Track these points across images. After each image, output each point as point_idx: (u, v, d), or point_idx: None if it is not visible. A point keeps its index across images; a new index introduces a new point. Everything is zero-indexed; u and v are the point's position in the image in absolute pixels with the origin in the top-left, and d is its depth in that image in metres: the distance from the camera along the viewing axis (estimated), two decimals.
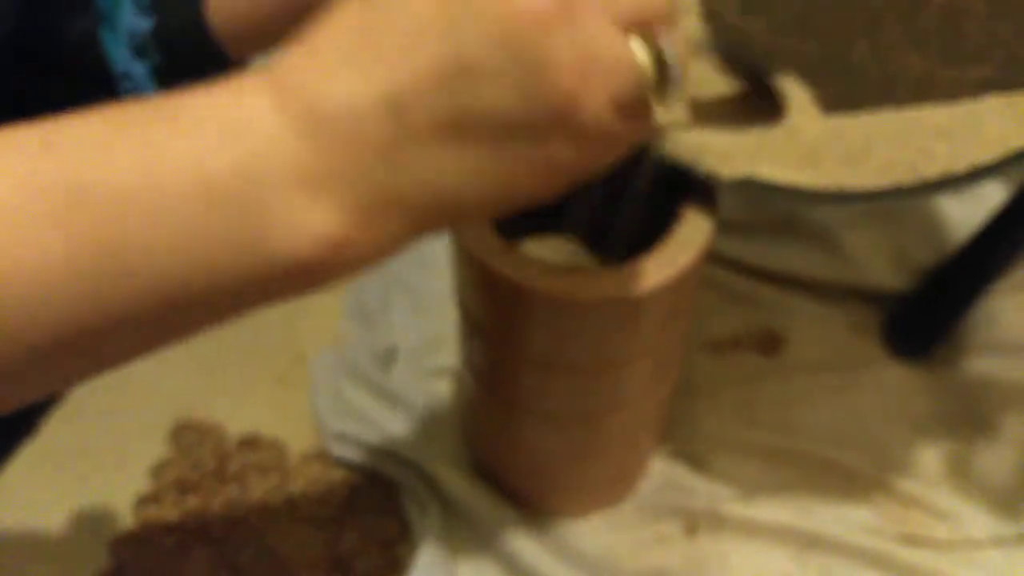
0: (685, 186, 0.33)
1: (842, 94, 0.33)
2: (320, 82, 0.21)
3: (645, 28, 0.22)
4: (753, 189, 0.31)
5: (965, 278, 0.47)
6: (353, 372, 0.48)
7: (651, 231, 0.33)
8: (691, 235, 0.31)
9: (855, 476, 0.45)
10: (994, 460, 0.45)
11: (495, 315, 0.33)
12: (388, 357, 0.49)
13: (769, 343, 0.50)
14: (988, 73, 0.32)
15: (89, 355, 0.22)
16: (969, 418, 0.47)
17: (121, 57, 0.42)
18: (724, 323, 0.51)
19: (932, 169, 0.31)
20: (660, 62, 0.22)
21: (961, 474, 0.45)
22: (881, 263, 0.52)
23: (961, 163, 0.31)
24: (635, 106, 0.22)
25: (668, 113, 0.23)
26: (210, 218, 0.20)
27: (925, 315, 0.49)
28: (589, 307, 0.30)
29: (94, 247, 0.20)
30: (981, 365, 0.48)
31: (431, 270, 0.52)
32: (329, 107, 0.20)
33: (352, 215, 0.21)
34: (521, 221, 0.38)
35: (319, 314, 0.52)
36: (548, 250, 0.40)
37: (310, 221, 0.20)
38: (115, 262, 0.20)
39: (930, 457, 0.46)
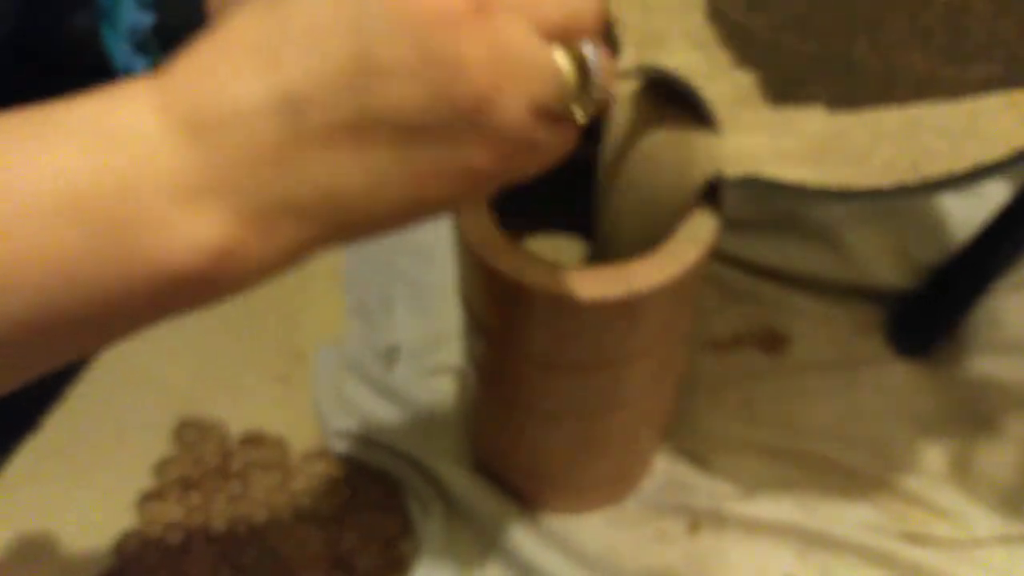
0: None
1: (843, 92, 0.33)
2: (208, 83, 0.19)
3: (569, 37, 0.21)
4: (757, 187, 0.31)
5: (967, 277, 0.47)
6: (355, 369, 0.48)
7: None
8: (696, 233, 0.31)
9: (857, 474, 0.45)
10: (997, 458, 0.45)
11: (498, 313, 0.33)
12: (390, 355, 0.49)
13: (771, 341, 0.50)
14: (990, 72, 0.32)
15: None
16: (972, 416, 0.47)
17: (122, 53, 0.42)
18: (726, 321, 0.51)
19: (934, 168, 0.31)
20: (582, 69, 0.21)
21: (964, 472, 0.45)
22: (884, 261, 0.51)
23: (963, 162, 0.31)
24: (555, 112, 0.21)
25: (586, 119, 0.22)
26: (75, 234, 0.19)
27: (927, 314, 0.49)
28: (592, 306, 0.30)
29: None
30: (984, 364, 0.48)
31: (433, 267, 0.52)
32: (216, 109, 0.19)
33: (240, 223, 0.20)
34: (526, 218, 0.38)
35: (321, 312, 0.52)
36: (553, 247, 0.40)
37: (190, 231, 0.19)
38: None
39: (933, 455, 0.45)
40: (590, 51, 0.21)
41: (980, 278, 0.46)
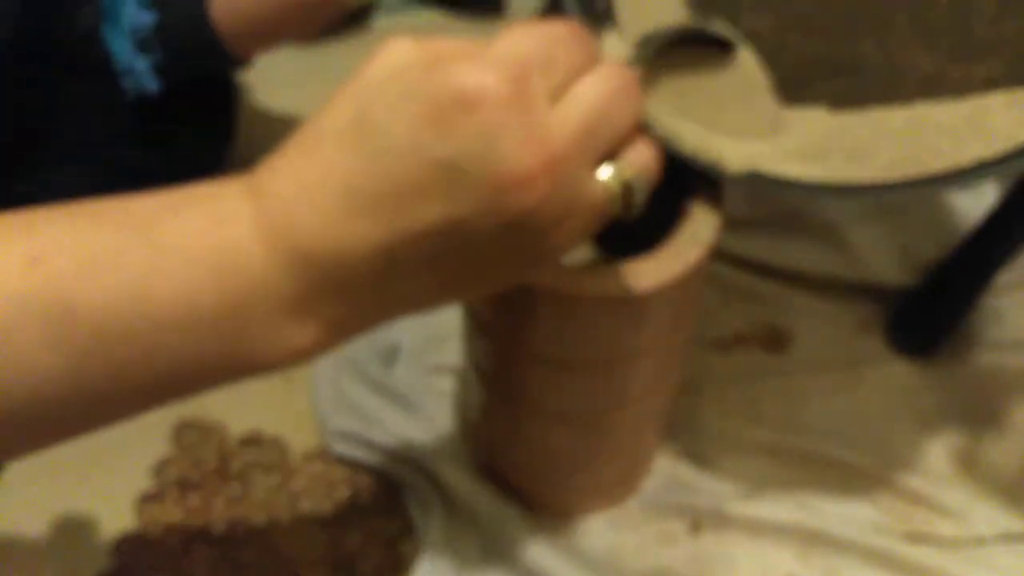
0: (690, 181, 0.33)
1: (849, 91, 0.33)
2: (311, 223, 0.21)
3: (616, 154, 0.23)
4: (760, 184, 0.31)
5: (964, 275, 0.47)
6: (355, 370, 0.48)
7: (657, 227, 0.33)
8: (698, 231, 0.31)
9: (860, 474, 0.45)
10: (1000, 457, 0.45)
11: (499, 312, 0.33)
12: (390, 354, 0.48)
13: (774, 340, 0.50)
14: (996, 71, 0.32)
15: (68, 434, 0.24)
16: (975, 415, 0.47)
17: (124, 53, 0.42)
18: (728, 320, 0.50)
19: (938, 164, 0.31)
20: (627, 188, 0.24)
21: (967, 471, 0.45)
22: (887, 259, 0.51)
23: (966, 158, 0.31)
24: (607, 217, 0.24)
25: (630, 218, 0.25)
26: (195, 344, 0.21)
27: (926, 313, 0.49)
28: (594, 305, 0.30)
29: (83, 363, 0.21)
30: (988, 362, 0.48)
31: None
32: (322, 251, 0.21)
33: (330, 331, 0.23)
34: None
35: None
36: None
37: (290, 340, 0.22)
38: (104, 375, 0.21)
39: (936, 454, 0.45)
40: (633, 172, 0.23)
41: (976, 276, 0.46)
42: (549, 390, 0.35)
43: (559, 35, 0.23)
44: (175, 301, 0.21)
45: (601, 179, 0.23)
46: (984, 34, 0.33)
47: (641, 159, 0.24)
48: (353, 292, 0.22)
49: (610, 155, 0.24)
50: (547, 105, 0.22)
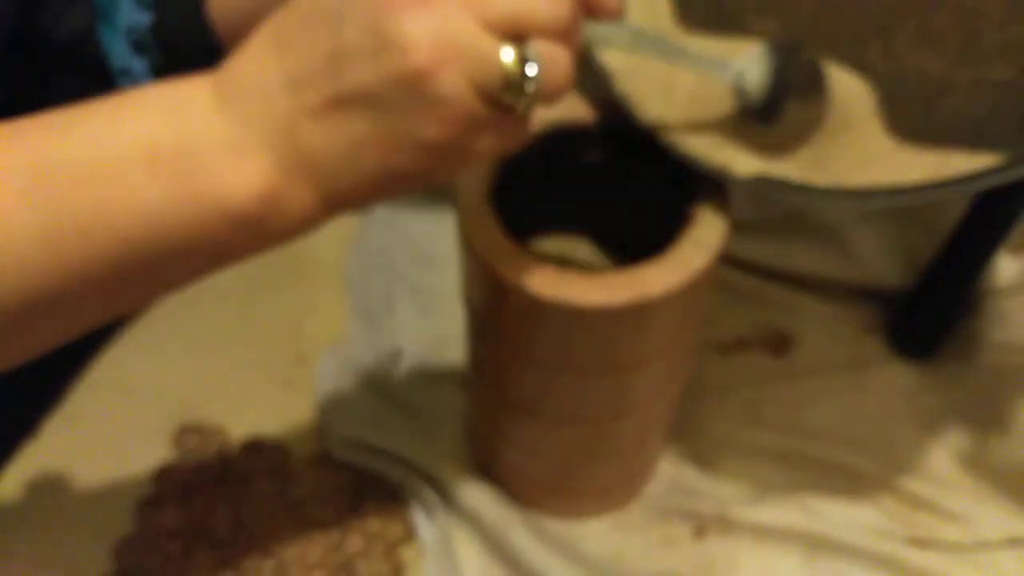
0: (696, 186, 0.32)
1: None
2: (244, 67, 0.25)
3: (519, 33, 0.24)
4: (767, 187, 0.31)
5: (951, 276, 0.46)
6: (357, 374, 0.47)
7: (663, 232, 0.32)
8: (704, 237, 0.31)
9: (864, 477, 0.44)
10: (1005, 461, 0.45)
11: (504, 319, 0.33)
12: (393, 359, 0.48)
13: (778, 343, 0.49)
14: (1006, 75, 0.32)
15: (56, 318, 0.25)
16: (980, 418, 0.46)
17: (120, 53, 0.41)
18: (732, 323, 0.50)
19: (948, 170, 0.31)
20: (524, 64, 0.24)
21: (971, 475, 0.44)
22: (890, 261, 0.51)
23: (977, 163, 0.30)
24: (499, 99, 0.24)
25: (529, 110, 0.25)
26: (155, 180, 0.24)
27: (922, 314, 0.49)
28: (600, 313, 0.30)
29: (56, 215, 0.23)
30: (992, 363, 0.48)
31: (435, 269, 0.52)
32: (248, 87, 0.25)
33: (276, 172, 0.25)
34: (535, 220, 0.37)
35: (323, 315, 0.51)
36: (561, 249, 0.40)
37: (243, 175, 0.24)
38: (75, 226, 0.24)
39: (940, 458, 0.45)
40: (534, 48, 0.24)
41: (962, 277, 0.46)
42: (553, 396, 0.35)
43: None
44: (135, 143, 0.24)
45: (502, 52, 0.24)
46: (993, 38, 0.32)
47: (553, 56, 0.24)
48: (276, 132, 0.24)
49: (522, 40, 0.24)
50: None
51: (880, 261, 0.51)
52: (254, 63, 0.25)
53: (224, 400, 0.47)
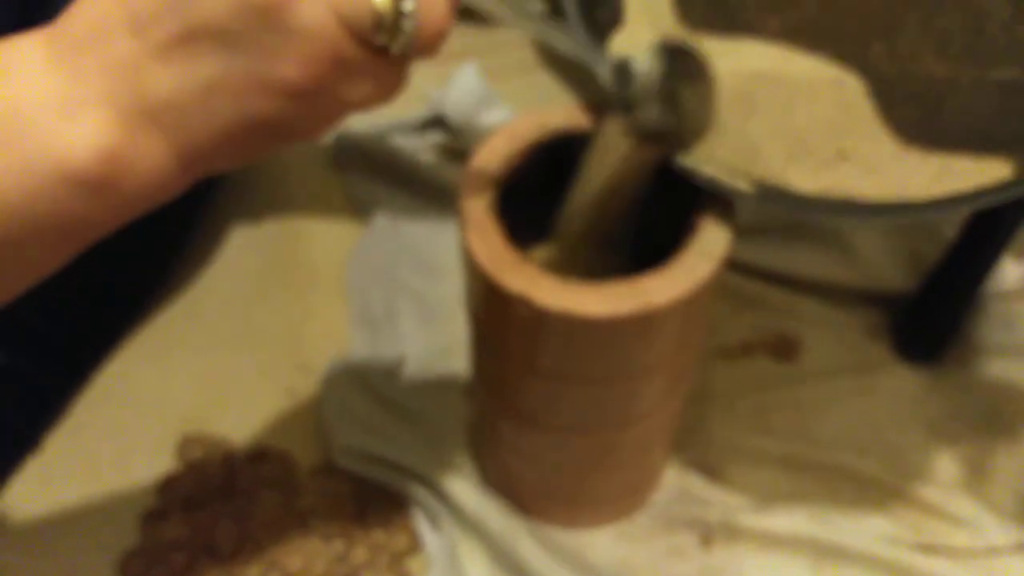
0: (699, 193, 0.32)
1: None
2: (83, 12, 0.23)
3: None
4: (771, 198, 0.31)
5: (953, 280, 0.46)
6: (361, 383, 0.47)
7: (666, 240, 0.32)
8: (708, 245, 0.31)
9: (871, 484, 0.44)
10: (1013, 465, 0.44)
11: (508, 330, 0.32)
12: (396, 367, 0.48)
13: (783, 348, 0.49)
14: (1011, 74, 0.31)
15: None
16: (987, 423, 0.46)
17: None
18: (737, 329, 0.50)
19: (953, 175, 0.30)
20: (398, 2, 0.22)
21: (979, 480, 0.44)
22: (895, 265, 0.51)
23: (982, 167, 0.30)
24: (369, 37, 0.22)
25: (402, 52, 0.23)
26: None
27: (927, 319, 0.48)
28: (604, 323, 0.29)
29: None
30: (999, 368, 0.48)
31: (437, 277, 0.52)
32: (81, 32, 0.23)
33: (118, 126, 0.22)
34: (539, 228, 0.37)
35: (325, 324, 0.51)
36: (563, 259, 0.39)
37: (79, 135, 0.22)
38: None
39: (947, 463, 0.45)
40: None
41: (964, 281, 0.45)
42: (557, 406, 0.35)
43: None
44: None
45: None
46: (999, 38, 0.32)
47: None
48: (117, 79, 0.22)
49: None
50: None
51: (884, 265, 0.51)
52: (94, 7, 0.23)
53: (227, 410, 0.47)
